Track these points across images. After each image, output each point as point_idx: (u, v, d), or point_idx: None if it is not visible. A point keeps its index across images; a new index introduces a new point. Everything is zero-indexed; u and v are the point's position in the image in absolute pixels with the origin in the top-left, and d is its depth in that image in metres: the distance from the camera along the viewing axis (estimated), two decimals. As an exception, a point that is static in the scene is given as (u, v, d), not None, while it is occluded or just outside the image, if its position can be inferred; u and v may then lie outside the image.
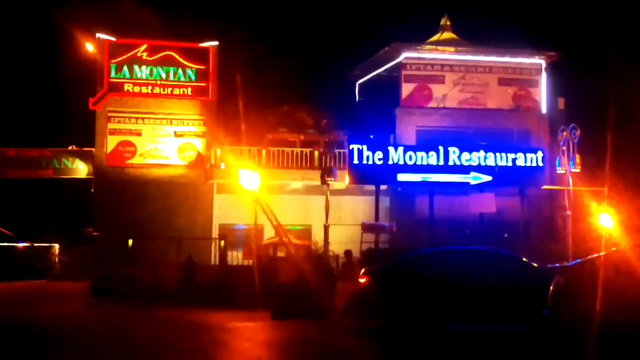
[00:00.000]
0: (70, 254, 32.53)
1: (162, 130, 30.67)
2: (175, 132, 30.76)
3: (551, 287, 14.91)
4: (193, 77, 30.82)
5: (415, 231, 27.05)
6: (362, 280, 17.70)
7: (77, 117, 31.60)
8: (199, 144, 30.82)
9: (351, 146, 27.84)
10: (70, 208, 33.67)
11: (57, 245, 34.11)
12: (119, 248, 26.21)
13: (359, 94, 33.93)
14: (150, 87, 30.72)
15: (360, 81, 34.14)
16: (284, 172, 29.79)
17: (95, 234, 29.26)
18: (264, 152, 29.97)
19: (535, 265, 17.30)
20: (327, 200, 25.43)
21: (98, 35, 30.48)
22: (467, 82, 30.78)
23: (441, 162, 27.64)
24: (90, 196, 30.70)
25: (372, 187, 28.42)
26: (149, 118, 30.72)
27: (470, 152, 27.93)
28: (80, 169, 31.66)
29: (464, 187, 27.27)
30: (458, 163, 27.85)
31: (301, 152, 30.16)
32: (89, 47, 31.04)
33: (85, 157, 31.55)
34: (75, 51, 31.37)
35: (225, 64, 30.48)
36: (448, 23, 32.41)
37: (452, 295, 16.70)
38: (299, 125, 31.36)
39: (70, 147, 31.88)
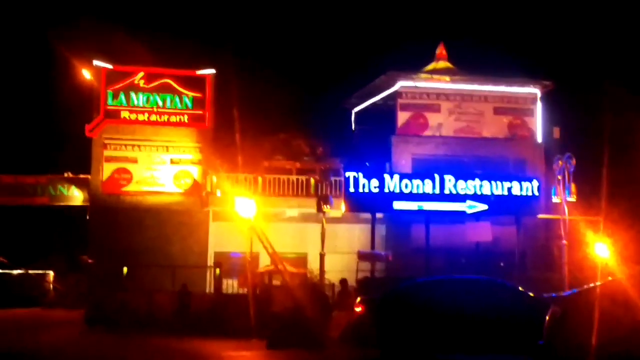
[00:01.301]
0: (65, 281, 32.29)
1: (158, 158, 30.61)
2: (171, 160, 30.69)
3: (547, 317, 14.93)
4: (190, 105, 30.77)
5: (411, 260, 26.95)
6: (358, 310, 17.88)
7: (73, 144, 31.70)
8: (195, 172, 30.71)
9: (347, 174, 28.18)
10: (65, 235, 33.60)
11: (51, 273, 33.56)
12: (114, 275, 26.14)
13: (355, 122, 34.02)
14: (146, 115, 30.65)
15: (357, 109, 34.36)
16: (280, 200, 29.74)
17: (89, 261, 29.02)
18: (260, 179, 29.91)
19: (531, 294, 17.30)
20: (323, 228, 25.28)
21: (95, 62, 30.45)
22: (463, 111, 30.91)
23: (437, 191, 27.77)
24: (86, 223, 30.50)
25: (368, 215, 28.52)
26: (145, 145, 30.63)
27: (465, 180, 28.06)
28: (76, 196, 31.52)
29: (459, 216, 27.40)
30: (454, 191, 27.96)
31: (297, 179, 30.10)
32: (86, 74, 30.94)
33: (81, 184, 31.37)
34: (71, 78, 31.49)
35: (222, 91, 30.51)
36: (443, 52, 32.67)
37: (449, 325, 16.68)
38: (295, 152, 31.41)
39: (66, 174, 31.80)
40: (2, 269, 33.62)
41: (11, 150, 35.02)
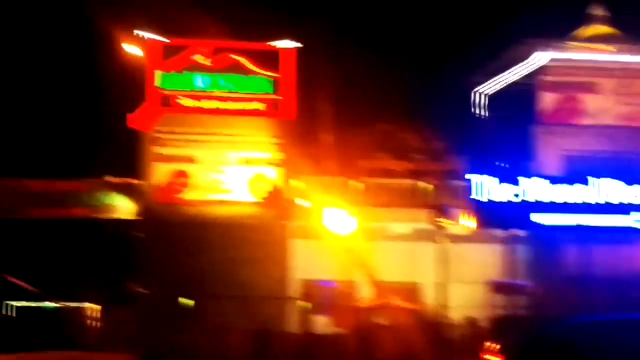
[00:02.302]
0: (109, 317, 32.63)
1: (225, 157, 31.12)
2: (242, 159, 31.19)
3: None
4: (266, 88, 31.20)
5: (563, 292, 26.78)
6: (492, 359, 17.86)
7: (115, 140, 32.18)
8: (273, 175, 31.10)
9: (472, 177, 27.75)
10: (109, 257, 33.76)
11: (92, 305, 34.24)
12: (171, 309, 26.85)
13: (481, 108, 34.05)
14: (211, 101, 31.16)
15: (484, 91, 33.95)
16: (385, 212, 29.89)
17: (140, 291, 29.80)
18: (357, 185, 30.25)
19: None
20: (441, 250, 26.08)
21: (142, 34, 30.84)
22: (631, 92, 30.21)
23: (595, 200, 27.57)
24: (135, 241, 31.10)
25: (502, 233, 28.76)
26: (208, 141, 31.10)
27: (633, 185, 27.66)
28: (120, 207, 31.87)
29: (627, 233, 27.36)
30: (618, 201, 27.52)
31: (406, 184, 30.38)
32: (131, 50, 31.32)
33: (127, 192, 31.78)
34: (112, 56, 31.87)
35: (306, 71, 30.97)
36: (603, 12, 31.86)
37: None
38: (404, 149, 31.73)
39: (106, 179, 32.14)
40: (33, 300, 34.32)
41: (39, 149, 35.60)
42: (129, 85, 31.38)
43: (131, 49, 31.34)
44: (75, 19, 34.40)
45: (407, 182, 30.42)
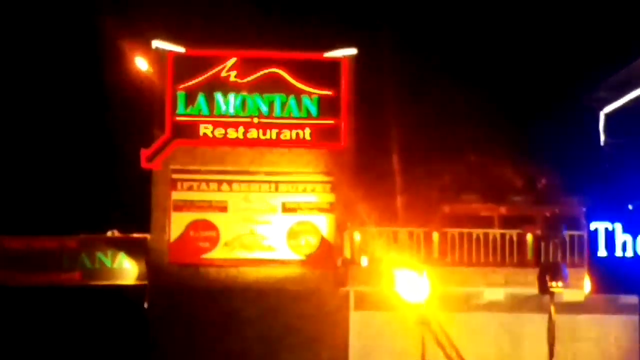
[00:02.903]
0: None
1: (262, 202, 30.61)
2: (284, 205, 30.57)
3: None
4: (313, 110, 30.71)
5: None
6: None
7: (120, 182, 32.36)
8: (323, 224, 30.54)
9: (593, 225, 25.14)
10: (111, 336, 32.89)
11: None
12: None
13: (605, 132, 32.88)
14: (242, 129, 30.60)
15: (608, 110, 32.76)
16: (473, 272, 29.36)
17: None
18: (435, 236, 29.54)
19: None
20: (551, 322, 24.57)
21: (158, 45, 30.58)
22: None
23: None
24: (142, 315, 30.78)
25: (634, 300, 27.76)
26: (240, 181, 30.60)
27: None
28: (126, 270, 31.18)
29: None
30: None
31: (502, 235, 29.74)
32: (143, 65, 31.41)
33: (135, 250, 31.18)
34: (118, 71, 32.02)
35: (366, 88, 31.03)
36: None
37: None
38: (497, 188, 31.47)
39: (109, 233, 31.62)
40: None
41: (22, 197, 34.75)
42: (140, 112, 31.55)
43: (143, 65, 31.64)
44: (75, 26, 35.10)
45: (503, 232, 30.04)
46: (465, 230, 29.59)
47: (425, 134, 31.30)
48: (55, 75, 35.71)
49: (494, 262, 29.36)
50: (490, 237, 29.52)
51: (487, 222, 30.41)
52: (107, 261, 31.27)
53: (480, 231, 29.58)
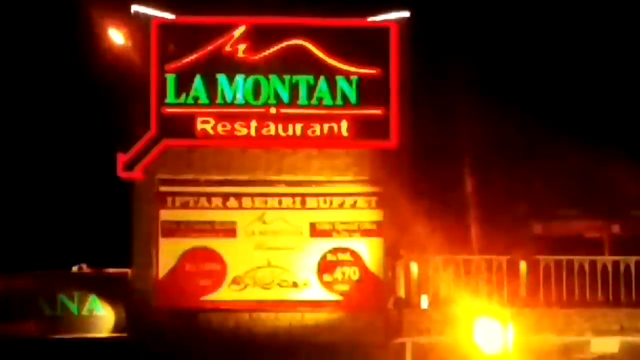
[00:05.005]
0: None
1: (283, 223, 30.68)
2: (313, 227, 30.71)
3: None
4: (352, 96, 30.82)
5: None
6: None
7: (89, 199, 33.44)
8: (367, 251, 30.55)
9: None
10: None
11: None
12: None
13: None
14: (254, 124, 30.72)
15: None
16: (575, 315, 29.44)
17: None
18: (523, 266, 29.82)
19: None
20: None
21: (136, 9, 30.83)
22: None
23: None
24: None
25: None
26: (252, 195, 30.74)
27: None
28: (99, 318, 30.96)
29: None
30: None
31: (615, 264, 29.99)
32: (116, 36, 31.67)
33: (110, 291, 31.14)
34: (85, 47, 32.62)
35: (421, 64, 31.36)
36: None
37: None
38: (608, 200, 32.05)
39: (75, 268, 31.54)
40: None
41: None
42: (115, 102, 31.82)
43: (118, 38, 31.88)
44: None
45: (616, 259, 30.20)
46: (564, 258, 29.70)
47: (508, 128, 31.71)
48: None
49: (605, 300, 29.51)
50: (599, 267, 29.72)
51: (594, 246, 31.04)
52: (73, 306, 30.99)
53: (585, 258, 29.79)
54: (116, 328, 30.82)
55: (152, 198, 30.31)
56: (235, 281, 30.17)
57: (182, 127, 30.43)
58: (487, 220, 30.69)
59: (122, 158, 30.05)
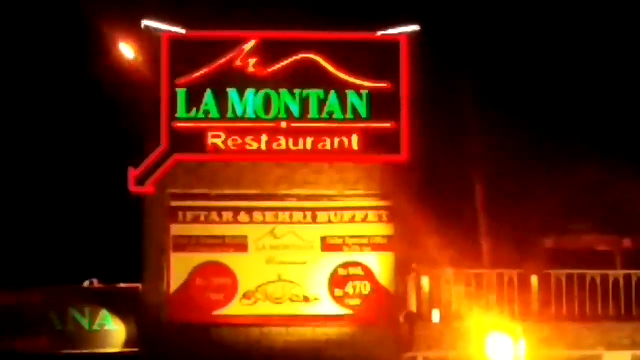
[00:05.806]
0: None
1: (294, 237, 30.63)
2: (324, 241, 30.70)
3: None
4: (363, 110, 30.75)
5: None
6: None
7: (100, 214, 33.38)
8: (378, 265, 30.51)
9: None
10: None
11: None
12: None
13: None
14: (265, 138, 30.69)
15: None
16: (587, 330, 29.55)
17: None
18: (534, 280, 29.91)
19: None
20: None
21: (147, 24, 30.83)
22: None
23: None
24: None
25: None
26: (263, 209, 30.74)
27: None
28: (110, 333, 30.93)
29: None
30: None
31: (627, 278, 30.14)
32: (127, 51, 31.73)
33: (121, 305, 31.12)
34: (96, 61, 32.67)
35: (431, 77, 31.35)
36: None
37: None
38: (621, 214, 31.92)
39: (86, 283, 31.68)
40: None
41: None
42: (126, 117, 31.81)
43: (129, 53, 31.85)
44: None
45: (628, 273, 30.29)
46: (576, 272, 29.76)
47: (519, 141, 31.64)
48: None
49: (616, 315, 29.55)
50: (611, 281, 29.71)
51: (606, 260, 30.95)
52: (84, 321, 30.88)
53: (596, 273, 29.80)
54: (127, 343, 30.82)
55: (163, 213, 30.35)
56: (246, 296, 30.16)
57: (193, 141, 30.43)
58: (499, 234, 30.89)
59: (133, 173, 30.04)
